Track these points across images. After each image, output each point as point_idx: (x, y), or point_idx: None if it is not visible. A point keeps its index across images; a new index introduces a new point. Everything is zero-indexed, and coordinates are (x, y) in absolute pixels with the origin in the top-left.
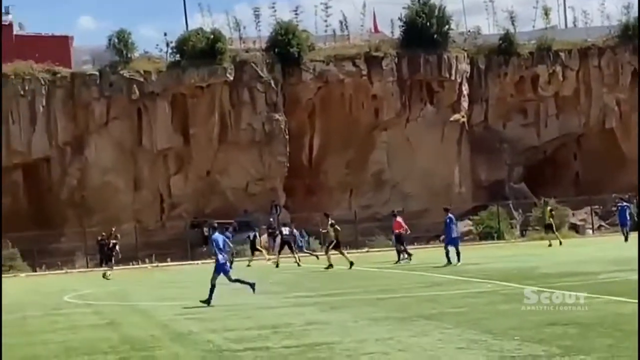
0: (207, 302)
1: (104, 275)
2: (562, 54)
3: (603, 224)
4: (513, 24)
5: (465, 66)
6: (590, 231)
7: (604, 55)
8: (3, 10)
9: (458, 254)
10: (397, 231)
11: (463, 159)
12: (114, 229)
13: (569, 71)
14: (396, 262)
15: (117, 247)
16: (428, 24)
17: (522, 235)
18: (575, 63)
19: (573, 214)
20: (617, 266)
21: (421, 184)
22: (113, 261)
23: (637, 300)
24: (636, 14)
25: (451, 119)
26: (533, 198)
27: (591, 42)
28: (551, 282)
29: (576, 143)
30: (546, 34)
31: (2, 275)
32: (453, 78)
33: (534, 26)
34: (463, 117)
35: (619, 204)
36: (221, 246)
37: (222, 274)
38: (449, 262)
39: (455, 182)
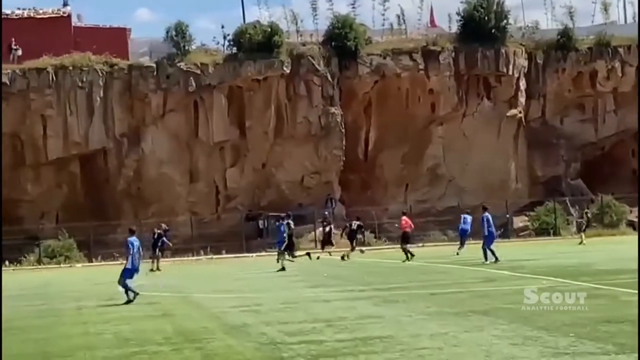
0: (127, 302)
1: (151, 270)
2: (621, 50)
3: None
4: (572, 19)
5: (522, 61)
6: None
7: None
8: (62, 3)
9: (485, 252)
10: (403, 230)
11: (520, 154)
12: (163, 225)
13: (628, 67)
14: (404, 261)
15: (164, 239)
16: (486, 18)
17: (579, 231)
18: (634, 59)
19: (630, 211)
20: None
21: (477, 179)
22: (157, 252)
23: None
24: None
25: (508, 114)
26: (590, 194)
27: None
28: (607, 278)
29: (634, 139)
30: (605, 29)
31: (60, 265)
32: (510, 73)
33: (592, 21)
34: (520, 112)
35: None
36: (135, 250)
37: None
38: (497, 259)
39: (511, 178)
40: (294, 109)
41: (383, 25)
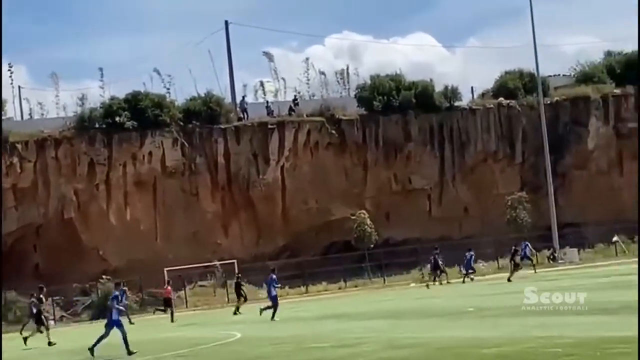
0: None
1: None
2: (19, 146)
3: (65, 314)
4: None
5: None
6: (53, 322)
7: (61, 146)
8: None
9: None
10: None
11: None
12: None
13: (27, 162)
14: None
15: None
16: None
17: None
18: (33, 154)
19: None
20: (77, 356)
21: None
22: None
23: None
24: (90, 106)
25: None
26: None
27: (47, 134)
28: None
29: (36, 234)
30: (3, 126)
31: None
32: None
33: None
34: None
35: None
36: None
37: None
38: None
39: None
40: None
41: None
